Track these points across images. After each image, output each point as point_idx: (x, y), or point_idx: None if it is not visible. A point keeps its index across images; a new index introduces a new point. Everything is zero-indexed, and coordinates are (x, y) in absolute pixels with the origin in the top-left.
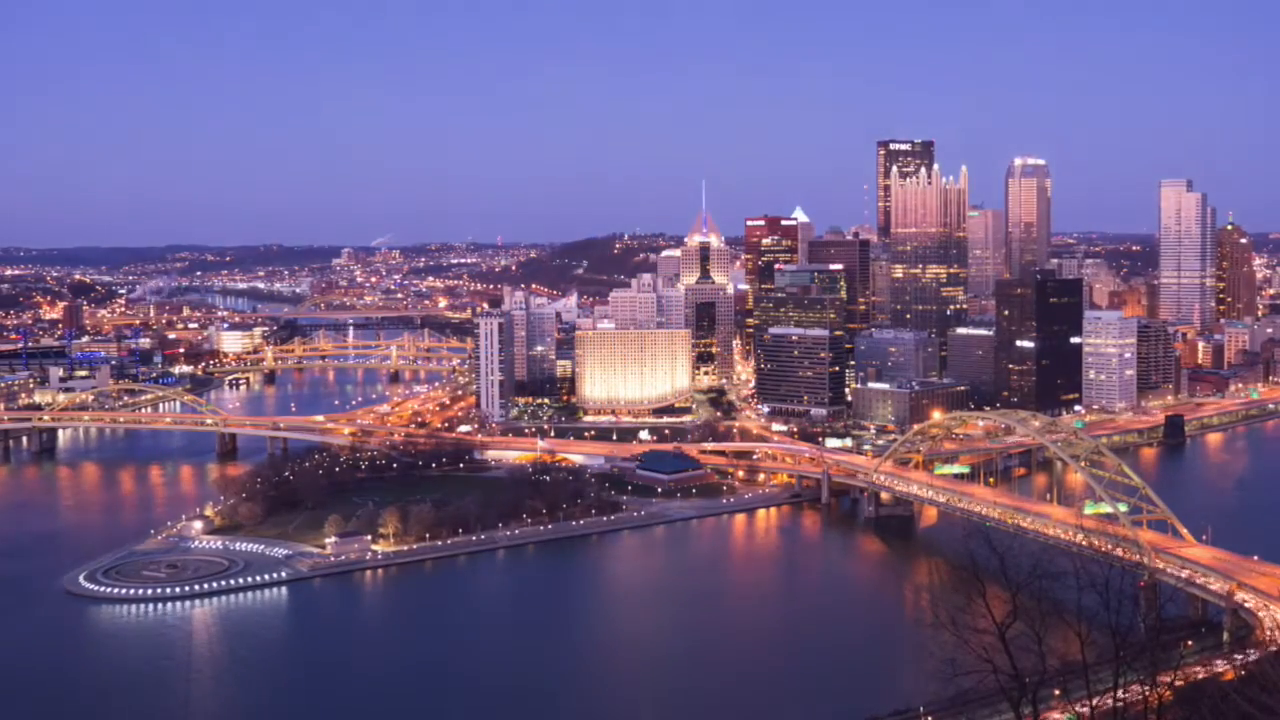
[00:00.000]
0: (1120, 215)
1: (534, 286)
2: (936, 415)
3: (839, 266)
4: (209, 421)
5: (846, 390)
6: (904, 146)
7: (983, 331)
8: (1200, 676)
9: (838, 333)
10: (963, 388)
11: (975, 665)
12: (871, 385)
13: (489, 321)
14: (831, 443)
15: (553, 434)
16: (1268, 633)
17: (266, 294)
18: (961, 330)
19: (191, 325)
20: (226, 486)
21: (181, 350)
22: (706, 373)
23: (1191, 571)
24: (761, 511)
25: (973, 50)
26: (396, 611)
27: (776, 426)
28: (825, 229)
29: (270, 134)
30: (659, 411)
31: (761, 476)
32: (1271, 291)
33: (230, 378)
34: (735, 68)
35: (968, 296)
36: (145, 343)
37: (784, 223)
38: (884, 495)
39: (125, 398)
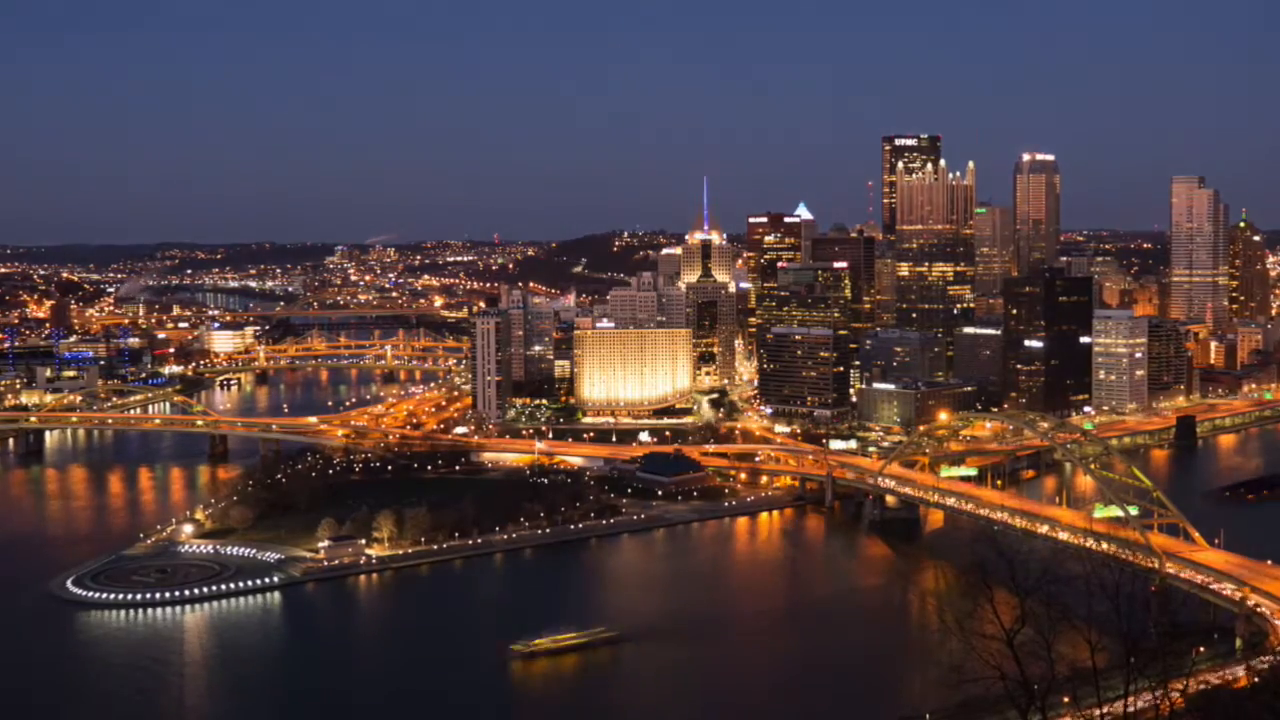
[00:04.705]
0: (1131, 212)
1: (532, 285)
2: (943, 416)
3: (843, 264)
4: (200, 423)
5: (851, 391)
6: (910, 142)
7: (990, 331)
8: (1213, 684)
9: (842, 332)
10: (970, 388)
11: (983, 672)
12: (876, 386)
13: (486, 321)
14: (835, 444)
15: (551, 435)
16: None
17: (259, 292)
18: (968, 329)
19: (182, 324)
20: (217, 489)
21: (171, 350)
22: (708, 373)
23: (1204, 576)
24: (764, 514)
25: (979, 45)
26: (391, 616)
27: (779, 428)
28: (829, 226)
29: (263, 131)
30: (659, 412)
31: (764, 479)
32: None
33: (221, 378)
34: (736, 62)
35: (975, 295)
36: (135, 342)
37: (787, 220)
38: (889, 498)
39: (114, 399)
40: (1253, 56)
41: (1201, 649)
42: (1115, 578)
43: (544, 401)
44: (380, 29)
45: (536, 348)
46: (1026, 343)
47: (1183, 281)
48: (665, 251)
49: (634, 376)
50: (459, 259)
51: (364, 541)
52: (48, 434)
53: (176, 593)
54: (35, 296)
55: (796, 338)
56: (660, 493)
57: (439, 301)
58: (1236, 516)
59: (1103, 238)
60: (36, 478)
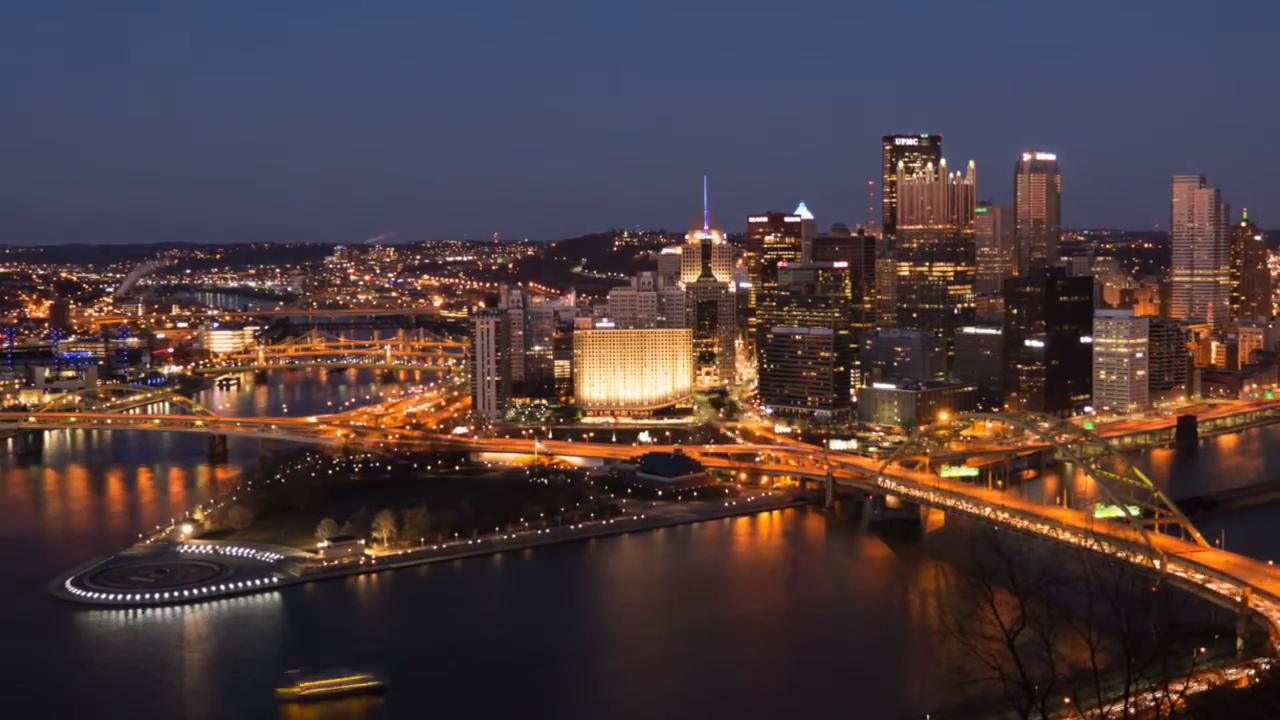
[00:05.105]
0: (1132, 212)
1: (531, 285)
2: (943, 416)
3: (843, 264)
4: (199, 423)
5: (851, 391)
6: (910, 141)
7: (991, 331)
8: (1213, 684)
9: (842, 332)
10: (970, 388)
11: (983, 673)
12: (877, 386)
13: (485, 321)
14: (836, 444)
15: (551, 436)
16: None
17: (258, 292)
18: (969, 329)
19: (181, 324)
20: (217, 489)
21: (170, 350)
22: (708, 373)
23: (1204, 577)
24: (764, 515)
25: (980, 44)
26: (390, 617)
27: (780, 428)
28: (829, 226)
29: (263, 130)
30: (659, 413)
31: (764, 479)
32: None
33: (221, 378)
34: (737, 62)
35: (975, 295)
36: (134, 342)
37: (787, 220)
38: (889, 498)
39: (113, 399)
40: (1253, 56)
41: (1202, 649)
42: (1115, 578)
43: (544, 401)
44: (380, 30)
45: (536, 348)
46: (1027, 343)
47: (1184, 281)
48: (665, 251)
49: (634, 376)
50: (459, 259)
51: (363, 542)
52: (46, 434)
53: (176, 593)
54: (34, 296)
55: (797, 338)
56: (660, 493)
57: (439, 301)
58: (1238, 517)
59: (1103, 237)
60: (35, 478)
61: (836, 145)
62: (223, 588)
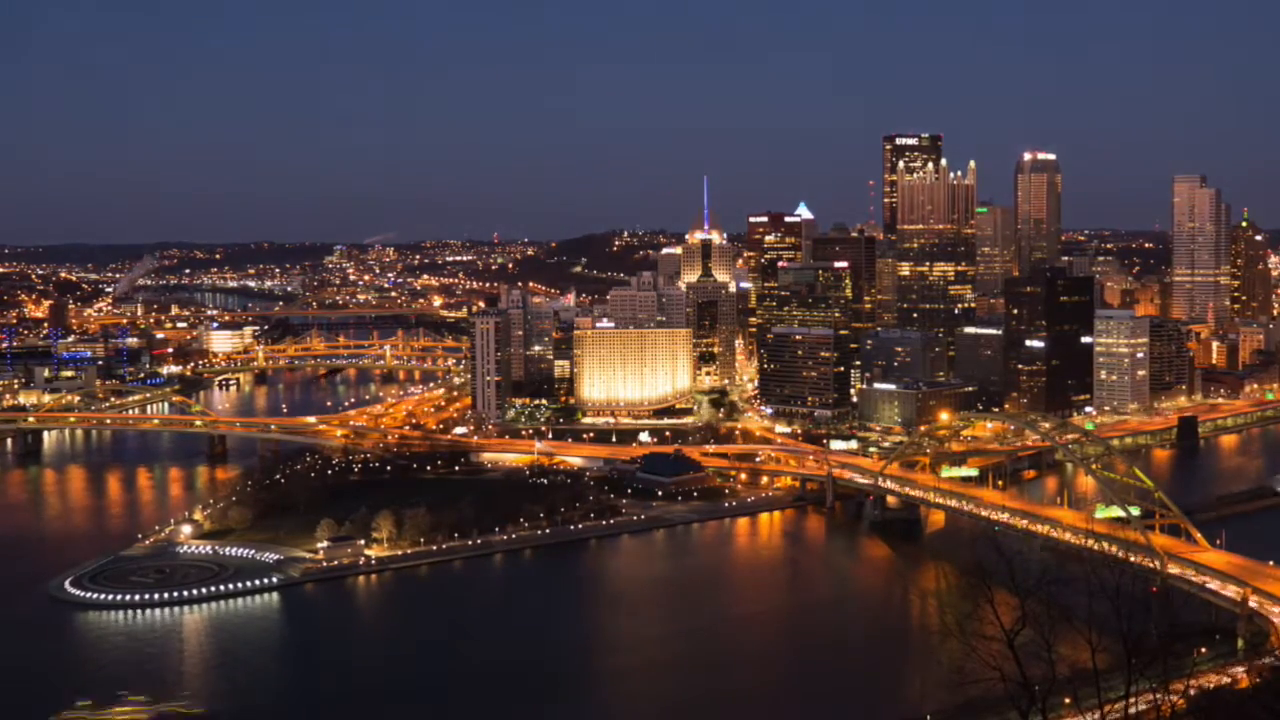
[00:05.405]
0: (1132, 212)
1: (531, 285)
2: (944, 416)
3: (844, 264)
4: (198, 423)
5: (851, 391)
6: (910, 141)
7: (991, 331)
8: (1214, 685)
9: (842, 332)
10: (971, 388)
11: (983, 673)
12: (877, 386)
13: (485, 321)
14: (836, 445)
15: (550, 436)
16: None
17: (257, 292)
18: (969, 329)
19: (180, 324)
20: (216, 490)
21: (170, 350)
22: (708, 373)
23: (1205, 577)
24: (764, 515)
25: (981, 43)
26: (390, 617)
27: (780, 428)
28: (829, 226)
29: (262, 130)
30: (659, 413)
31: (764, 479)
32: None
33: (220, 378)
34: (737, 61)
35: (976, 295)
36: (133, 342)
37: (787, 219)
38: (890, 499)
39: (112, 399)
40: (1253, 56)
41: (1203, 650)
42: (1116, 578)
43: (544, 401)
44: (378, 29)
45: (536, 348)
46: (1028, 343)
47: (1184, 281)
48: (665, 251)
49: (634, 376)
50: (458, 259)
51: (363, 542)
52: (45, 434)
53: (175, 593)
54: (33, 296)
55: (797, 338)
56: (660, 493)
57: (438, 301)
58: (1238, 518)
59: (1104, 237)
60: (34, 478)
61: (836, 145)
62: (222, 588)
